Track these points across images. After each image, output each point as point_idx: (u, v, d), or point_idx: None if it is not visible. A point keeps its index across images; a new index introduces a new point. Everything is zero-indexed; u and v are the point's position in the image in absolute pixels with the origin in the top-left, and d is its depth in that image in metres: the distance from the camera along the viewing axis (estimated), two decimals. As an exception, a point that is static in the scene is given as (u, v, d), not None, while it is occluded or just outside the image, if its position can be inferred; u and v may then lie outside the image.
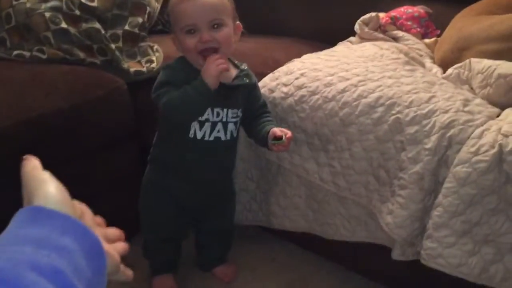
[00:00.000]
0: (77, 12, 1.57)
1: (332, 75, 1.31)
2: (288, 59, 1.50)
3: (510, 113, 1.16)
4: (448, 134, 1.10)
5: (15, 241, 0.39)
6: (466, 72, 1.34)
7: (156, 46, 1.69)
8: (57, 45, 1.52)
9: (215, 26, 1.14)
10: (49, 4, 1.54)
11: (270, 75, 1.41)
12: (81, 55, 1.53)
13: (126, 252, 0.53)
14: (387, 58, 1.43)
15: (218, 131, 1.22)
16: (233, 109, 1.23)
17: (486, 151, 1.04)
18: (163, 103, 1.15)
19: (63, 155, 1.31)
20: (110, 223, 0.55)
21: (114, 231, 0.54)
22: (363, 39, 1.68)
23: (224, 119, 1.22)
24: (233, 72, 1.24)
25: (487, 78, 1.24)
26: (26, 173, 0.47)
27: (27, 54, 1.53)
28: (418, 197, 1.11)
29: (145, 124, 1.51)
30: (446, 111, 1.13)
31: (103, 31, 1.57)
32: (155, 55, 1.65)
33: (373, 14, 1.70)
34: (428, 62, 1.53)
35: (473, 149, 1.06)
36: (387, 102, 1.19)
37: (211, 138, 1.22)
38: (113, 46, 1.57)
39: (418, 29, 1.71)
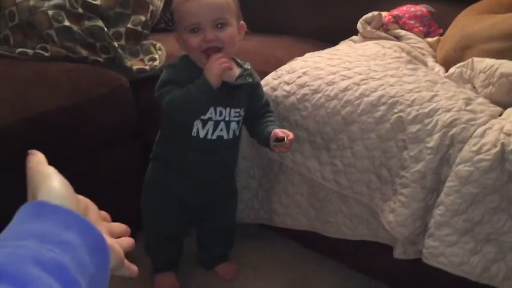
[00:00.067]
0: (80, 10, 1.57)
1: (334, 73, 1.31)
2: (290, 57, 1.50)
3: (512, 112, 1.16)
4: (450, 133, 1.10)
5: (19, 236, 0.39)
6: (468, 71, 1.33)
7: (158, 44, 1.70)
8: (60, 43, 1.53)
9: (219, 25, 1.14)
10: (52, 2, 1.54)
11: (272, 74, 1.41)
12: (84, 53, 1.54)
13: (131, 247, 0.53)
14: (390, 56, 1.43)
15: (221, 130, 1.22)
16: (235, 108, 1.23)
17: (488, 150, 1.04)
18: (166, 102, 1.15)
19: (66, 153, 1.32)
20: (112, 221, 0.55)
21: (119, 226, 0.54)
22: (366, 38, 1.68)
23: (227, 118, 1.22)
24: (236, 71, 1.24)
25: (489, 77, 1.24)
26: (31, 168, 0.47)
27: (30, 52, 1.53)
28: (420, 196, 1.11)
29: (147, 122, 1.51)
30: (448, 110, 1.13)
31: (106, 29, 1.57)
32: (158, 53, 1.65)
33: (375, 13, 1.70)
34: (430, 61, 1.53)
35: (475, 148, 1.06)
36: (389, 101, 1.19)
37: (214, 137, 1.22)
38: (116, 44, 1.57)
39: (421, 28, 1.71)
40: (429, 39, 1.66)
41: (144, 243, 1.39)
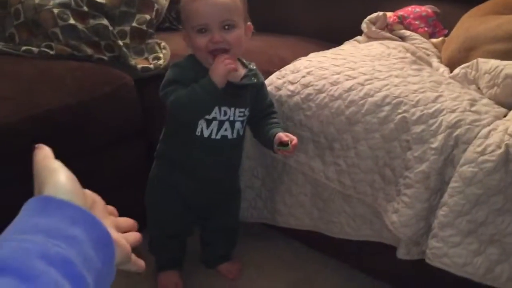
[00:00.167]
0: (85, 8, 1.58)
1: (338, 73, 1.31)
2: (295, 57, 1.50)
3: (517, 113, 1.16)
4: (455, 134, 1.09)
5: (25, 230, 0.39)
6: (473, 72, 1.33)
7: (163, 43, 1.70)
8: (65, 41, 1.53)
9: (226, 27, 1.14)
10: (58, 0, 1.55)
11: (276, 73, 1.41)
12: (89, 51, 1.54)
13: (138, 242, 0.52)
14: (394, 57, 1.43)
15: (225, 130, 1.22)
16: (240, 108, 1.23)
17: (493, 151, 1.04)
18: (171, 101, 1.16)
19: (71, 151, 1.31)
20: (118, 217, 0.55)
21: (126, 221, 0.54)
22: (370, 38, 1.67)
23: (232, 118, 1.22)
24: (242, 71, 1.24)
25: (494, 78, 1.24)
26: (37, 162, 0.47)
27: (35, 50, 1.54)
28: (423, 196, 1.11)
29: (152, 121, 1.51)
30: (453, 111, 1.13)
31: (110, 28, 1.58)
32: (162, 52, 1.66)
33: (380, 13, 1.69)
34: (435, 61, 1.53)
35: (479, 149, 1.05)
36: (394, 101, 1.18)
37: (218, 137, 1.22)
38: (120, 42, 1.58)
39: (426, 29, 1.71)
40: (434, 40, 1.66)
41: (148, 241, 1.40)
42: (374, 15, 1.70)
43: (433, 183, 1.10)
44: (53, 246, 0.38)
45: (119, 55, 1.57)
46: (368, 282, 1.42)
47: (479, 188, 1.04)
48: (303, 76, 1.34)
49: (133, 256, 0.50)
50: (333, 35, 1.83)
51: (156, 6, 1.75)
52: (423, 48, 1.59)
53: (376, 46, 1.53)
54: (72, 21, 1.54)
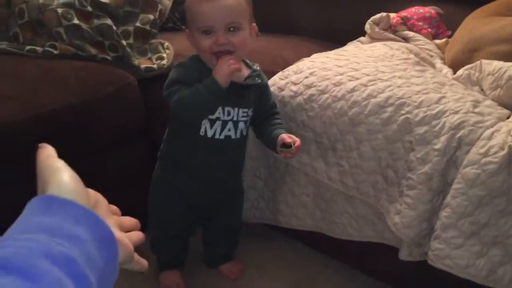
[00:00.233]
0: (89, 8, 1.58)
1: (341, 74, 1.31)
2: (298, 58, 1.50)
3: (520, 115, 1.16)
4: (458, 135, 1.09)
5: (28, 229, 0.39)
6: (476, 74, 1.33)
7: (166, 44, 1.70)
8: (69, 41, 1.54)
9: (232, 29, 1.14)
10: (62, 0, 1.56)
11: (279, 74, 1.42)
12: (93, 51, 1.55)
13: (141, 241, 0.52)
14: (397, 58, 1.43)
15: (229, 130, 1.23)
16: (244, 108, 1.23)
17: (496, 152, 1.04)
18: (174, 101, 1.16)
19: (74, 151, 1.31)
20: (121, 217, 0.55)
21: (129, 220, 0.54)
22: (374, 39, 1.67)
23: (235, 118, 1.22)
24: (246, 72, 1.24)
25: (497, 80, 1.24)
26: (41, 161, 0.47)
27: (39, 49, 1.54)
28: (426, 198, 1.11)
29: (155, 121, 1.52)
30: (456, 112, 1.13)
31: (114, 28, 1.58)
32: (166, 52, 1.66)
33: (383, 14, 1.69)
34: (438, 62, 1.52)
35: (482, 151, 1.05)
36: (397, 102, 1.18)
37: (222, 137, 1.22)
38: (124, 42, 1.58)
39: (429, 30, 1.70)
40: (437, 41, 1.66)
41: (150, 241, 1.40)
42: (377, 16, 1.70)
43: (436, 184, 1.10)
44: (56, 245, 0.38)
45: (123, 55, 1.58)
46: (370, 283, 1.42)
47: (482, 190, 1.04)
48: (306, 77, 1.34)
49: (136, 255, 0.50)
50: (336, 35, 1.83)
51: (159, 6, 1.76)
52: (427, 49, 1.59)
53: (379, 47, 1.53)
54: (76, 21, 1.54)
